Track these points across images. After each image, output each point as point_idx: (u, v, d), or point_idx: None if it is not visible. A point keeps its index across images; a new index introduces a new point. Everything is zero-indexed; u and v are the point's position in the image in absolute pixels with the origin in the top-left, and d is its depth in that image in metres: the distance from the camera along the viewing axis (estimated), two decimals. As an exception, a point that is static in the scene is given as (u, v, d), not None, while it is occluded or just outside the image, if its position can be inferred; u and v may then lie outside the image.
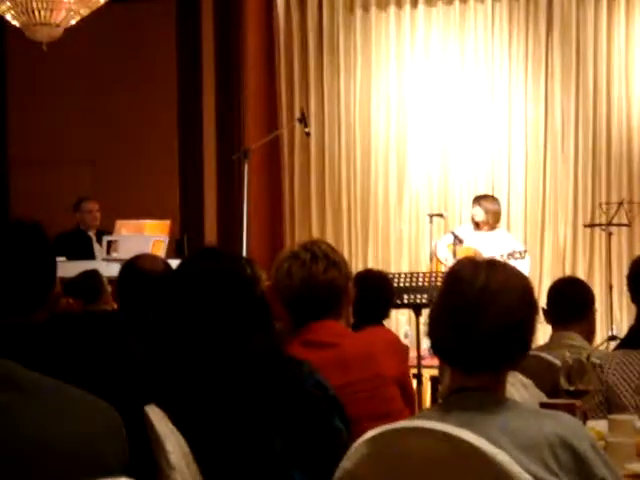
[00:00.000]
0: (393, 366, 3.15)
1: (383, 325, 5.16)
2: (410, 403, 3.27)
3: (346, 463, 2.17)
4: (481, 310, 2.18)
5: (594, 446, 2.15)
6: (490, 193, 9.59)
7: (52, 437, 1.54)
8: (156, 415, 2.50)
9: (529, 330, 2.24)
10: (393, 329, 9.01)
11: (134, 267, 3.86)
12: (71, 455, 1.55)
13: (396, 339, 3.36)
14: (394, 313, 9.20)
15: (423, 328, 7.63)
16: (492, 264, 2.27)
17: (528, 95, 10.05)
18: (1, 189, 10.37)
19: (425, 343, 6.96)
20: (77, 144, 10.19)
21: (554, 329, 4.67)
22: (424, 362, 7.04)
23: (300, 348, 3.08)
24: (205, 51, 10.06)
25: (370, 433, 2.15)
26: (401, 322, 9.62)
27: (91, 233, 9.05)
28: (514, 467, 2.01)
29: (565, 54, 9.94)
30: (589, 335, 4.72)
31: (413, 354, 7.03)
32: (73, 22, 7.83)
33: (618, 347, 4.28)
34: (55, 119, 10.18)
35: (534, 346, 2.29)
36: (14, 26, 7.94)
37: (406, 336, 8.61)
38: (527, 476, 2.00)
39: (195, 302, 2.67)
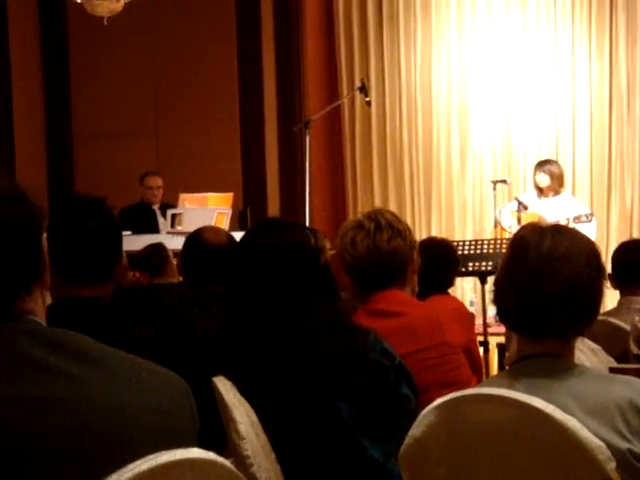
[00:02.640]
0: (459, 334, 3.14)
1: (448, 294, 5.13)
2: (477, 371, 3.27)
3: (415, 431, 2.17)
4: (547, 276, 2.16)
5: (665, 410, 2.13)
6: (554, 158, 9.49)
7: (126, 408, 1.56)
8: (224, 386, 2.52)
9: (596, 295, 2.22)
10: (458, 297, 8.98)
11: (198, 240, 3.88)
12: (145, 426, 1.57)
13: (462, 307, 3.36)
14: (459, 281, 9.16)
15: (488, 296, 7.59)
16: (557, 229, 2.25)
17: (592, 57, 9.91)
18: (66, 163, 10.48)
19: (491, 310, 6.92)
20: (140, 117, 10.26)
21: (622, 294, 4.63)
22: (490, 330, 7.01)
23: (366, 317, 3.10)
24: (264, 22, 10.05)
25: (438, 401, 2.15)
26: (466, 290, 9.58)
27: (155, 207, 9.12)
28: (584, 433, 1.99)
29: (630, 13, 9.78)
30: None
31: (479, 322, 7.00)
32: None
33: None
34: (117, 93, 10.25)
35: (602, 312, 2.28)
36: (75, 1, 8.00)
37: (472, 304, 8.58)
38: (598, 441, 1.99)
39: (260, 274, 2.68)
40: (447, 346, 3.09)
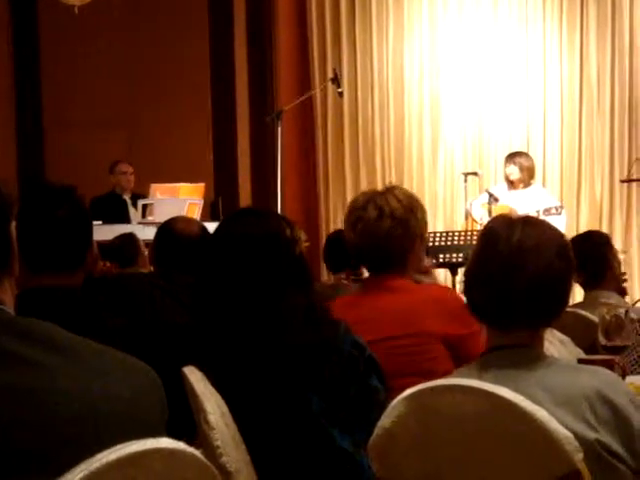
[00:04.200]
0: (440, 325, 3.12)
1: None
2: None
3: (384, 421, 2.17)
4: (517, 267, 2.17)
5: (632, 400, 2.14)
6: (525, 150, 9.53)
7: (95, 398, 1.55)
8: (195, 376, 2.52)
9: (565, 286, 2.24)
10: (429, 288, 9.00)
11: (170, 230, 3.87)
12: (114, 415, 1.57)
13: (450, 299, 3.28)
14: (430, 272, 9.17)
15: (459, 287, 7.61)
16: (527, 221, 2.26)
17: (563, 50, 9.96)
18: (36, 152, 10.42)
19: (461, 302, 6.93)
20: (111, 108, 10.21)
21: (586, 289, 4.67)
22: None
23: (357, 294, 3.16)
24: (237, 13, 10.03)
25: (408, 391, 2.16)
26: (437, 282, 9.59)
27: (126, 197, 9.09)
28: (553, 423, 2.00)
29: (600, 7, 9.84)
30: (618, 287, 4.72)
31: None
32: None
33: (656, 302, 4.27)
34: (88, 83, 10.19)
35: (570, 305, 2.29)
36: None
37: (442, 295, 8.58)
38: (565, 431, 2.00)
39: (234, 263, 2.68)
40: (425, 335, 3.09)
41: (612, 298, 4.49)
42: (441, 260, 7.97)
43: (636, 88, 9.79)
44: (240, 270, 2.67)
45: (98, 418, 1.53)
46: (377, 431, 2.18)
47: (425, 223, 3.30)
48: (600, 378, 2.14)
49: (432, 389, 2.13)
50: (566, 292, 2.25)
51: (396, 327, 2.87)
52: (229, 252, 2.70)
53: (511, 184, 8.84)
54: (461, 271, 7.41)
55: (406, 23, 10.26)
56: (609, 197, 9.91)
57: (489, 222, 2.36)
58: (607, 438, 2.08)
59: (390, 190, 3.26)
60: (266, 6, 10.06)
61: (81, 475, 1.42)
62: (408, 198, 3.25)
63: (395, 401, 2.17)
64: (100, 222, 7.58)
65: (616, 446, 2.08)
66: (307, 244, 2.79)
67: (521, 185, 8.82)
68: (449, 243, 7.98)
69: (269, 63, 10.10)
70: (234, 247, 2.70)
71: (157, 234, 3.92)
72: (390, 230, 3.17)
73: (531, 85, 10.00)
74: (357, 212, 3.22)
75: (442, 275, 9.45)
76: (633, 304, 8.05)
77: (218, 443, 2.42)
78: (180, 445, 1.53)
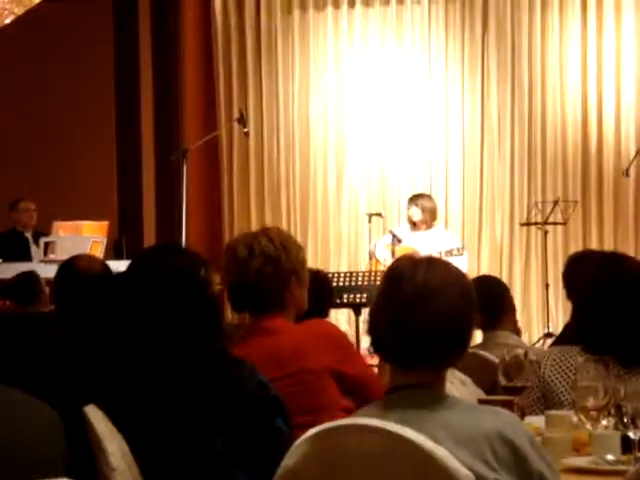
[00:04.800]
0: (326, 358, 3.14)
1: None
2: (356, 392, 3.21)
3: (287, 461, 2.17)
4: (421, 307, 2.19)
5: (532, 441, 2.18)
6: (428, 192, 9.65)
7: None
8: (96, 415, 2.49)
9: (468, 327, 2.26)
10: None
11: (71, 268, 3.82)
12: (14, 456, 1.54)
13: (330, 330, 3.32)
14: (333, 312, 9.21)
15: (363, 327, 7.66)
16: (431, 261, 2.28)
17: (465, 95, 10.15)
18: None
19: (365, 342, 6.98)
20: (12, 144, 10.06)
21: (483, 332, 4.74)
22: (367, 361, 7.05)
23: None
24: (142, 51, 10.00)
25: (312, 431, 2.16)
26: (340, 321, 9.64)
27: (28, 234, 8.96)
28: (453, 462, 2.03)
29: (501, 54, 10.07)
30: (515, 329, 4.81)
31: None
32: (8, 21, 7.74)
33: (554, 344, 4.35)
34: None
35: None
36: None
37: (345, 335, 8.61)
38: (466, 471, 2.02)
39: (145, 296, 2.66)
40: (306, 372, 3.10)
41: (510, 339, 4.57)
42: (345, 300, 8.01)
43: (535, 132, 10.01)
44: (150, 305, 2.65)
45: (2, 461, 1.51)
46: (280, 470, 2.18)
47: (301, 261, 3.30)
48: (500, 419, 2.17)
49: (335, 428, 2.14)
50: (469, 332, 2.28)
51: (275, 369, 2.86)
52: (141, 284, 2.69)
53: (414, 225, 8.94)
54: (365, 311, 7.45)
55: (312, 64, 10.35)
56: (509, 239, 10.08)
57: (394, 262, 2.38)
58: (505, 478, 2.10)
59: (263, 230, 3.28)
60: (172, 45, 10.06)
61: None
62: (280, 237, 3.26)
63: (299, 440, 2.17)
64: (0, 260, 7.46)
65: (514, 485, 2.11)
66: (220, 286, 2.79)
67: (423, 226, 8.92)
68: (353, 283, 8.02)
69: (175, 101, 10.09)
70: (146, 279, 2.68)
71: (58, 272, 3.86)
72: (261, 268, 3.17)
73: (434, 128, 10.15)
74: (229, 253, 3.22)
75: (345, 315, 9.50)
76: (532, 345, 8.19)
77: (119, 484, 2.39)
78: (80, 486, 1.51)
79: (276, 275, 3.19)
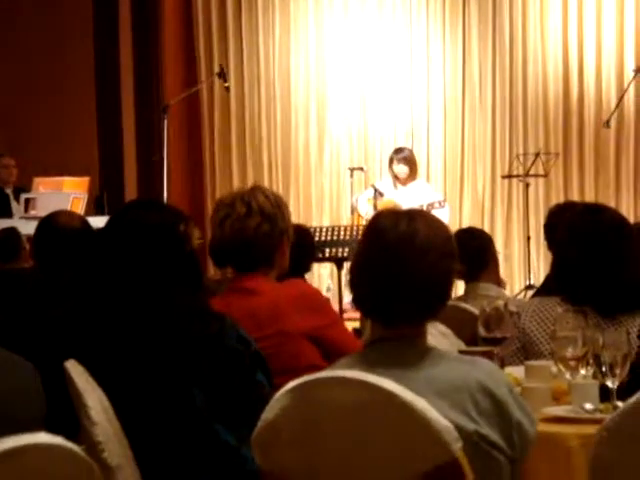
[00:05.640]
0: (302, 321, 3.14)
1: (303, 279, 5.16)
2: (335, 355, 3.24)
3: (267, 414, 2.18)
4: (401, 262, 2.18)
5: (511, 391, 2.19)
6: (409, 145, 9.65)
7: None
8: (76, 370, 2.49)
9: (450, 281, 2.26)
10: (315, 283, 9.05)
11: (50, 224, 3.80)
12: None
13: (310, 293, 3.32)
14: (316, 267, 9.23)
15: (345, 281, 7.67)
16: (412, 215, 2.26)
17: (446, 47, 10.12)
18: None
19: (347, 296, 7.00)
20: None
21: (465, 283, 4.76)
22: (346, 315, 7.07)
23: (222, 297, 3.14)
24: (122, 5, 9.91)
25: (291, 384, 2.16)
26: (323, 276, 9.66)
27: (8, 190, 8.90)
28: (432, 414, 2.04)
29: (482, 7, 10.03)
30: (498, 281, 4.83)
31: (335, 307, 7.06)
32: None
33: (535, 295, 4.36)
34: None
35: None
36: None
37: (328, 290, 8.65)
38: (445, 422, 2.03)
39: (124, 251, 2.66)
40: (283, 334, 3.11)
41: (492, 290, 4.59)
42: (327, 255, 8.01)
43: (516, 85, 10.00)
44: (128, 259, 2.65)
45: None
46: (260, 423, 2.18)
47: (290, 222, 3.31)
48: (482, 370, 2.18)
49: (314, 381, 2.15)
50: (450, 287, 2.27)
51: (253, 330, 2.87)
52: (120, 239, 2.69)
53: (397, 180, 8.94)
54: (347, 266, 7.46)
55: (292, 18, 10.30)
56: (491, 192, 10.10)
57: (374, 215, 2.36)
58: (486, 429, 2.11)
59: (257, 188, 3.27)
60: (151, 0, 9.97)
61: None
62: (275, 196, 3.26)
63: (278, 394, 2.18)
64: (-20, 217, 7.43)
65: (495, 437, 2.12)
66: (200, 241, 2.79)
67: (409, 180, 8.93)
68: (335, 238, 8.02)
69: (154, 57, 10.02)
70: (125, 234, 2.69)
71: (38, 228, 3.85)
72: (259, 226, 3.17)
73: (415, 81, 10.13)
74: (225, 209, 3.20)
75: (328, 269, 9.52)
76: (514, 296, 8.23)
77: (99, 439, 2.39)
78: (58, 440, 1.51)
79: (272, 234, 3.20)
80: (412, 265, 2.18)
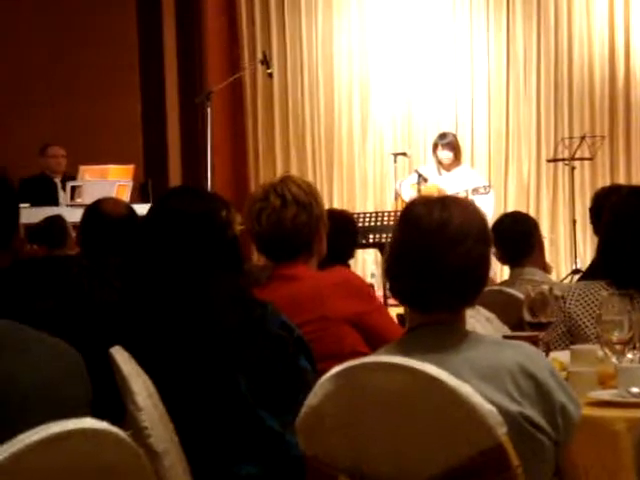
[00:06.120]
0: (344, 306, 3.15)
1: (349, 265, 5.16)
2: (378, 342, 3.24)
3: (312, 399, 2.18)
4: (437, 251, 2.17)
5: (554, 374, 2.18)
6: (453, 130, 9.60)
7: (17, 380, 1.54)
8: (122, 357, 2.51)
9: (485, 267, 2.25)
10: (359, 269, 9.05)
11: (96, 211, 3.84)
12: (36, 397, 1.56)
13: (352, 278, 3.32)
14: (360, 253, 9.23)
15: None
16: (446, 201, 2.25)
17: (490, 31, 10.05)
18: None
19: (391, 282, 6.97)
20: (36, 89, 10.05)
21: (510, 268, 4.74)
22: (390, 301, 7.06)
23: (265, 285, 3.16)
24: (165, -7, 9.95)
25: (335, 369, 2.17)
26: (367, 262, 9.66)
27: (57, 179, 8.96)
28: (476, 398, 2.03)
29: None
30: (544, 265, 4.80)
31: (380, 293, 7.06)
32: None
33: (581, 279, 4.33)
34: (16, 61, 10.01)
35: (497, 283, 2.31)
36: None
37: (372, 276, 8.64)
38: (489, 406, 2.03)
39: (166, 240, 2.68)
40: (325, 320, 3.12)
41: (537, 275, 4.56)
42: (371, 240, 8.01)
43: (561, 68, 9.91)
44: (171, 247, 2.67)
45: (20, 399, 1.52)
46: (305, 409, 2.19)
47: (324, 207, 3.31)
48: (522, 353, 2.17)
49: (359, 367, 2.15)
50: (486, 273, 2.26)
51: (295, 315, 2.87)
52: (162, 228, 2.70)
53: (442, 165, 8.90)
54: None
55: (335, 4, 10.27)
56: (536, 177, 10.03)
57: (408, 204, 2.35)
58: (530, 411, 2.11)
59: (287, 178, 3.27)
60: (195, -13, 10.00)
61: (4, 456, 1.41)
62: (306, 183, 3.27)
63: (322, 379, 2.18)
64: (28, 205, 7.50)
65: (538, 418, 2.12)
66: (242, 227, 2.79)
67: (454, 166, 8.89)
68: (379, 223, 8.02)
69: (198, 44, 10.04)
70: (167, 223, 2.70)
71: (84, 215, 3.88)
72: (295, 216, 3.17)
73: (459, 66, 10.07)
74: (259, 203, 3.20)
75: (372, 255, 9.51)
76: (560, 281, 8.18)
77: (145, 424, 2.41)
78: (103, 425, 1.52)
79: (309, 222, 3.20)
80: (446, 252, 2.18)
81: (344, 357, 2.37)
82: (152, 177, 9.33)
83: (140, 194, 8.85)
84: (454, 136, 9.14)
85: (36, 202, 7.85)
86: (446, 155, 8.86)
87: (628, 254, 3.10)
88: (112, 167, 8.62)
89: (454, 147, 8.90)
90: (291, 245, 3.20)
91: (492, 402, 2.05)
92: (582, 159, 9.36)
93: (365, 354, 2.71)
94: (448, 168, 8.88)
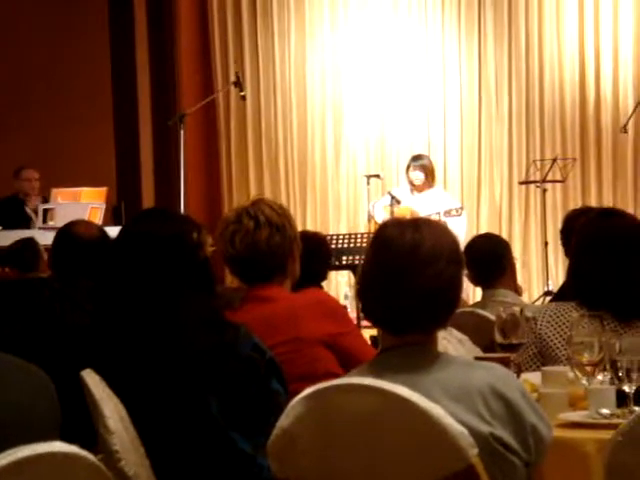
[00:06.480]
0: (318, 328, 3.15)
1: (320, 287, 5.17)
2: (350, 363, 3.24)
3: (283, 421, 2.18)
4: (410, 274, 2.18)
5: (524, 395, 2.19)
6: (426, 152, 9.63)
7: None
8: (93, 380, 2.50)
9: (457, 289, 2.25)
10: (333, 291, 9.06)
11: (68, 233, 3.82)
12: (4, 421, 1.55)
13: (326, 300, 3.33)
14: (333, 275, 9.24)
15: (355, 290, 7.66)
16: (418, 223, 2.26)
17: (462, 54, 10.12)
18: None
19: (364, 303, 6.97)
20: (9, 111, 10.02)
21: (482, 289, 4.76)
22: (364, 323, 7.06)
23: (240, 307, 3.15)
24: (137, 14, 9.95)
25: (306, 391, 2.17)
26: (341, 284, 9.66)
27: (29, 202, 8.86)
28: (447, 420, 2.03)
29: (497, 12, 10.03)
30: (515, 287, 4.82)
31: (353, 315, 7.06)
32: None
33: (552, 301, 4.35)
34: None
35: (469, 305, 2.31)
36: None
37: (346, 297, 8.65)
38: (460, 428, 2.03)
39: (136, 262, 2.67)
40: (299, 341, 3.12)
41: (509, 296, 4.58)
42: (344, 262, 8.02)
43: (532, 91, 9.98)
44: (141, 270, 2.66)
45: None
46: (276, 431, 2.19)
47: (296, 229, 3.32)
48: (493, 374, 2.18)
49: (330, 388, 2.15)
50: (458, 295, 2.27)
51: (269, 336, 2.87)
52: (132, 251, 2.69)
53: (414, 187, 8.92)
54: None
55: (307, 27, 10.31)
56: (508, 199, 10.08)
57: (380, 226, 2.36)
58: (500, 431, 2.11)
59: (260, 200, 3.28)
60: (167, 9, 10.01)
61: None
62: (278, 205, 3.28)
63: (294, 401, 2.18)
64: (0, 227, 7.47)
65: (509, 439, 2.12)
66: (213, 248, 2.79)
67: (426, 188, 8.91)
68: (352, 245, 8.03)
69: (171, 66, 10.05)
70: (137, 246, 2.69)
71: (56, 238, 3.87)
72: (269, 238, 3.18)
73: (431, 88, 10.12)
74: (232, 226, 3.20)
75: (346, 277, 9.52)
76: (532, 303, 8.21)
77: (116, 447, 2.40)
78: (74, 449, 1.52)
79: (283, 244, 3.21)
80: (419, 274, 2.18)
81: (318, 378, 2.36)
82: (125, 199, 9.32)
83: (113, 217, 8.83)
84: (428, 158, 9.17)
85: (8, 224, 7.82)
86: (417, 176, 8.88)
87: (597, 276, 3.12)
88: (85, 190, 8.60)
89: (426, 168, 8.92)
90: (265, 267, 3.20)
91: (463, 423, 2.05)
92: (554, 181, 9.42)
93: (339, 375, 2.71)
94: (420, 189, 8.90)
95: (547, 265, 9.30)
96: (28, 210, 8.78)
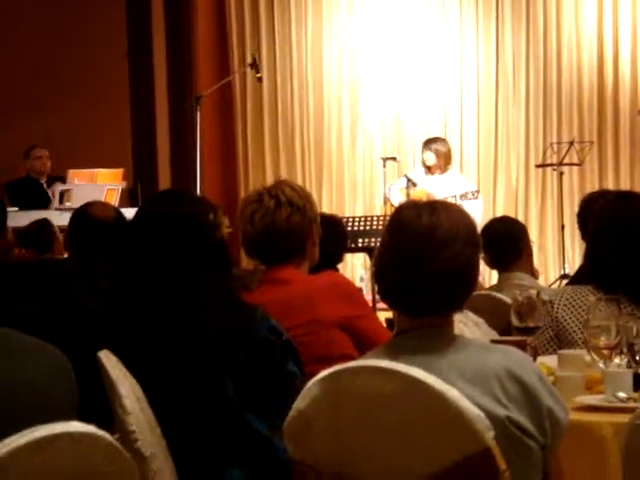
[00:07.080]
0: (334, 310, 3.15)
1: (336, 269, 5.17)
2: (366, 345, 3.25)
3: (299, 403, 2.18)
4: (426, 256, 2.18)
5: (541, 378, 2.18)
6: (442, 136, 9.61)
7: (1, 384, 1.54)
8: (109, 360, 2.51)
9: (474, 272, 2.25)
10: (348, 273, 9.06)
11: (84, 215, 3.83)
12: (22, 401, 1.56)
13: (342, 282, 3.33)
14: (349, 257, 9.24)
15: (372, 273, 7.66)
16: (434, 205, 2.26)
17: (479, 36, 10.07)
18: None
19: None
20: (25, 93, 10.04)
21: (499, 272, 4.75)
22: (379, 305, 7.07)
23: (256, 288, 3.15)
24: (154, -2, 9.95)
25: (322, 373, 2.17)
26: (356, 266, 9.66)
27: (42, 181, 8.94)
28: (464, 402, 2.03)
29: (515, -6, 9.98)
30: (532, 270, 4.81)
31: (369, 297, 7.06)
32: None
33: (568, 284, 4.34)
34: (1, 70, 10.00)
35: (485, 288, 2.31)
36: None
37: (361, 280, 8.65)
38: (477, 410, 2.03)
39: (152, 244, 2.67)
40: (316, 323, 3.12)
41: (525, 280, 4.57)
42: (360, 244, 8.02)
43: (550, 74, 9.93)
44: (158, 251, 2.66)
45: (5, 403, 1.52)
46: (292, 413, 2.19)
47: (317, 212, 3.32)
48: (509, 357, 2.18)
49: (346, 370, 2.15)
50: (475, 277, 2.26)
51: (286, 318, 2.87)
52: (148, 232, 2.70)
53: (428, 169, 8.91)
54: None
55: (324, 9, 10.28)
56: (525, 182, 10.05)
57: (397, 208, 2.35)
58: (517, 415, 2.11)
59: (282, 182, 3.29)
60: (184, -9, 10.00)
61: (-11, 460, 1.41)
62: (300, 187, 3.28)
63: (310, 383, 2.18)
64: (16, 208, 7.49)
65: (526, 423, 2.12)
66: (229, 230, 2.79)
67: (438, 171, 8.90)
68: (368, 227, 8.03)
69: (187, 48, 10.04)
70: (153, 227, 2.69)
71: (72, 219, 3.87)
72: (289, 217, 3.17)
73: (448, 71, 10.09)
74: (252, 205, 3.21)
75: (361, 259, 9.52)
76: (549, 286, 8.19)
77: (133, 427, 2.41)
78: (91, 428, 1.52)
79: (303, 224, 3.20)
80: (435, 257, 2.18)
81: (334, 360, 2.37)
82: (141, 181, 9.34)
83: (129, 198, 8.85)
84: (443, 140, 9.14)
85: (23, 205, 7.84)
86: (428, 157, 8.87)
87: (614, 259, 3.11)
88: (101, 171, 8.63)
89: (438, 151, 8.89)
90: (284, 247, 3.20)
91: (479, 406, 2.05)
92: (571, 164, 9.38)
93: (354, 358, 2.71)
94: (434, 171, 8.88)
95: (564, 248, 9.28)
96: (49, 191, 8.81)
